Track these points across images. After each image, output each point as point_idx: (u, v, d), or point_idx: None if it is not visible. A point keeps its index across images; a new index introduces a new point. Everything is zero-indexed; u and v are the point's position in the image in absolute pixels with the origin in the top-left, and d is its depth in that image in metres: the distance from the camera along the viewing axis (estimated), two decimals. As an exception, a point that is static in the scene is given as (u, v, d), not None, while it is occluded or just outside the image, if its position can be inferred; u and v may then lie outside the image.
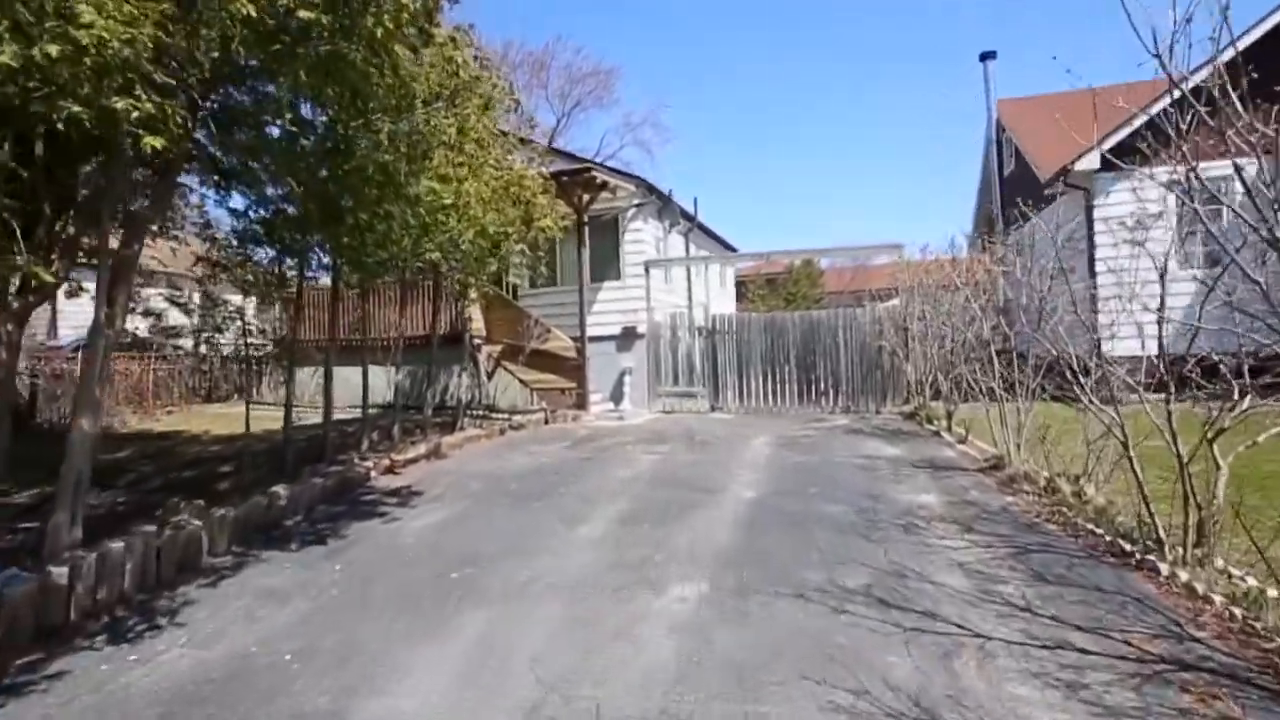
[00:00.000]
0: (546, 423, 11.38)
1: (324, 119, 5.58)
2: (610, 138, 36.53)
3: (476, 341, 12.46)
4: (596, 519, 5.68)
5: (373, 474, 7.44)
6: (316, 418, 12.88)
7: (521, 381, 12.77)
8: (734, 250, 22.79)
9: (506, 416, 11.29)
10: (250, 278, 6.79)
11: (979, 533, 4.76)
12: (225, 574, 4.81)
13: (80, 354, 14.06)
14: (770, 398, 12.67)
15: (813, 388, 12.45)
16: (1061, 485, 5.12)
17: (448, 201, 6.37)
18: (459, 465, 8.32)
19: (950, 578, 3.94)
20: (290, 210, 6.23)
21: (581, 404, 12.13)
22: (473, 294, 12.51)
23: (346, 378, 14.30)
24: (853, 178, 73.38)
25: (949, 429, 9.10)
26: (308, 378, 14.53)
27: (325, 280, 12.20)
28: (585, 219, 12.36)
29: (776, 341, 12.64)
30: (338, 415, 12.30)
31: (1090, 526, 4.43)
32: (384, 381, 13.70)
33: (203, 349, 16.41)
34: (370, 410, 12.94)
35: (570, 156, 13.58)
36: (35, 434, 12.20)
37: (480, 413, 11.75)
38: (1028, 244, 6.51)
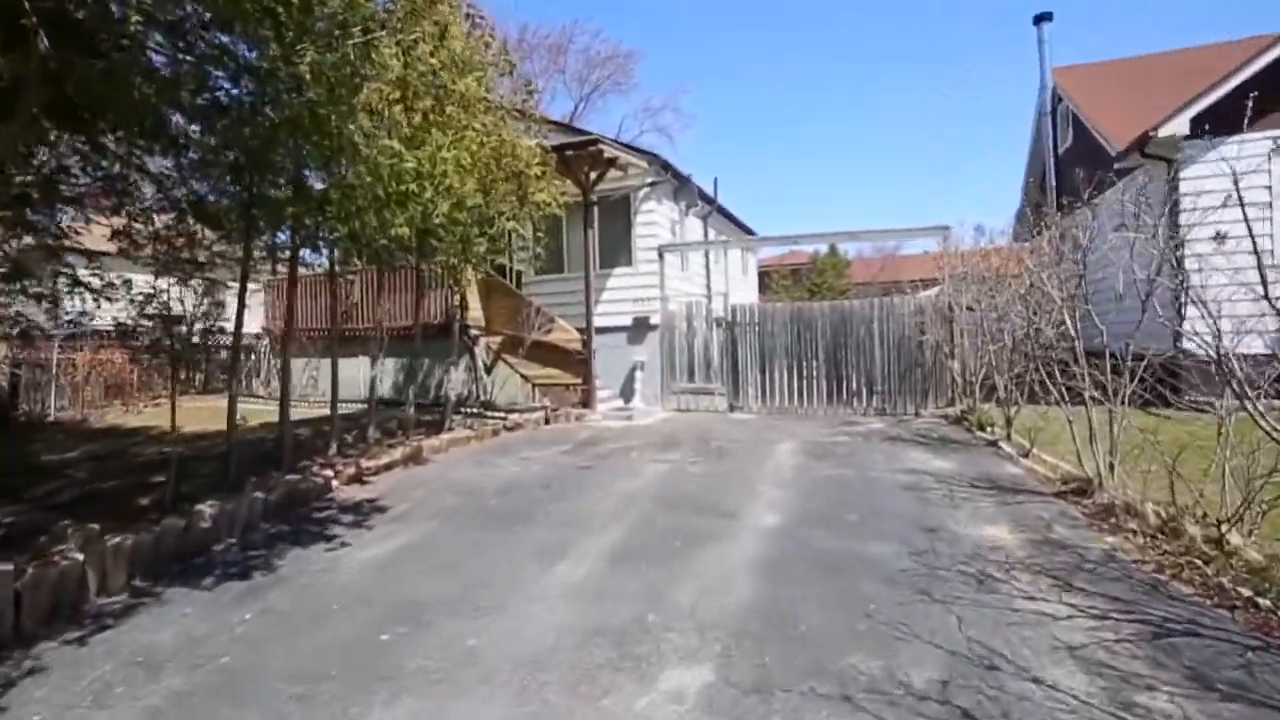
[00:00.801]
0: (547, 422, 10.31)
1: (258, 62, 4.54)
2: (629, 123, 35.28)
3: (474, 332, 11.44)
4: (581, 553, 4.58)
5: (335, 484, 6.43)
6: (306, 412, 11.99)
7: (523, 376, 11.71)
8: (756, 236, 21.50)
9: (503, 415, 10.24)
10: (185, 256, 5.77)
11: (1083, 592, 3.56)
12: (107, 623, 3.81)
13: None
14: (796, 397, 11.46)
15: (844, 386, 11.20)
16: (1187, 527, 3.88)
17: (410, 165, 5.28)
18: (438, 473, 7.28)
19: (1063, 674, 2.76)
20: (221, 171, 5.20)
21: (587, 401, 11.04)
22: (469, 280, 11.48)
23: (342, 370, 13.40)
24: (852, 178, 71.35)
25: (1008, 438, 7.83)
26: (299, 369, 13.67)
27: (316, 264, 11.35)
28: (593, 198, 11.21)
29: (803, 334, 11.41)
30: (321, 412, 11.36)
31: (1247, 593, 3.21)
32: (375, 375, 12.77)
33: (194, 338, 15.77)
34: (356, 406, 12.01)
35: (575, 130, 12.43)
36: (16, 428, 11.51)
37: (475, 410, 10.73)
38: (1131, 213, 5.23)
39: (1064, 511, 5.06)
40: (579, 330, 11.26)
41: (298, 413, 11.58)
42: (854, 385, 11.17)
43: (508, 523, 5.38)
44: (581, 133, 11.77)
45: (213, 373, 15.40)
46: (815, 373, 11.37)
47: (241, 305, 6.65)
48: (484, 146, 6.96)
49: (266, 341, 13.86)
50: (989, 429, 8.68)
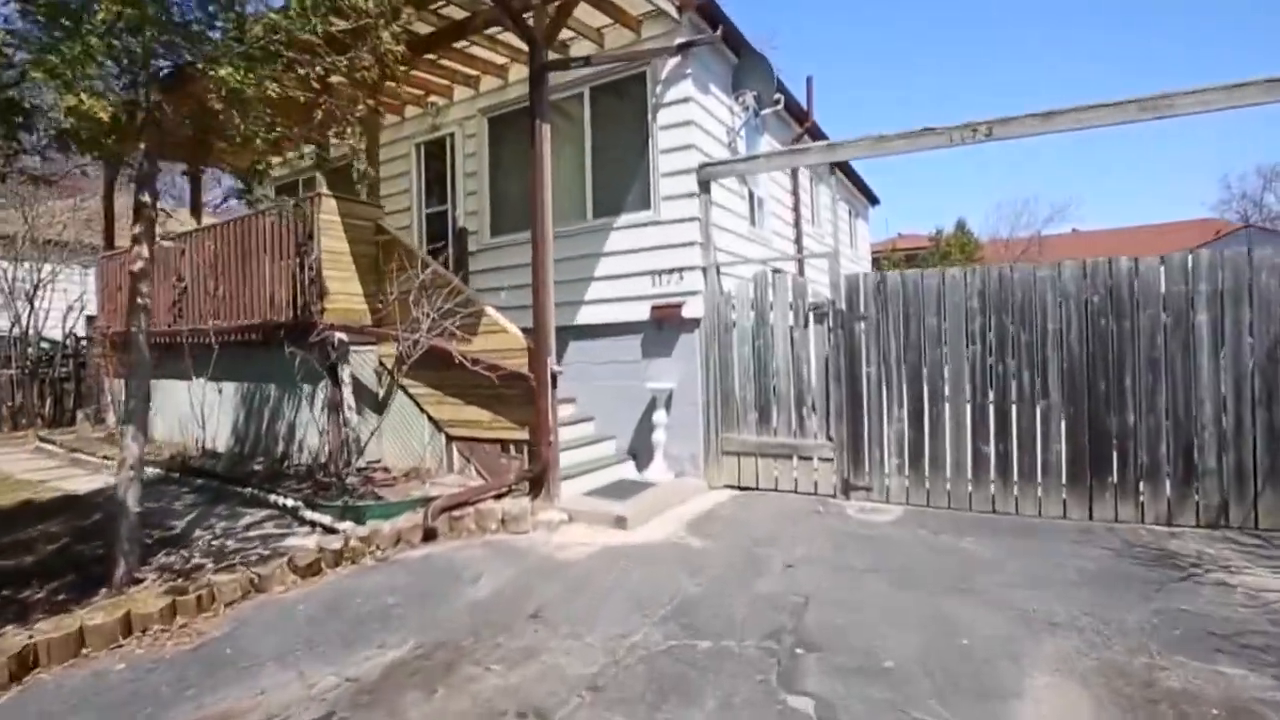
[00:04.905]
0: (427, 538, 4.64)
1: None
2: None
3: (340, 338, 5.97)
4: None
5: None
6: (85, 481, 6.72)
7: (433, 422, 6.17)
8: (874, 197, 15.06)
9: (331, 521, 4.70)
10: None
11: None
12: None
13: None
14: (990, 469, 5.23)
15: (1114, 452, 4.86)
16: None
17: None
18: None
19: None
20: None
21: (541, 478, 5.31)
22: (329, 241, 6.08)
23: (170, 397, 8.33)
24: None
25: None
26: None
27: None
28: (547, 58, 5.47)
29: (1010, 335, 5.18)
30: (104, 482, 6.18)
31: None
32: (218, 403, 7.59)
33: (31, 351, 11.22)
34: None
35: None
36: None
37: (298, 496, 5.20)
38: None
39: None
40: (526, 332, 5.55)
41: (82, 481, 6.52)
42: (1140, 451, 4.80)
43: None
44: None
45: (63, 398, 10.79)
46: (1037, 417, 5.10)
47: None
48: None
49: (100, 349, 8.95)
50: None
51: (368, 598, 3.81)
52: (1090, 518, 4.90)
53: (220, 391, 7.17)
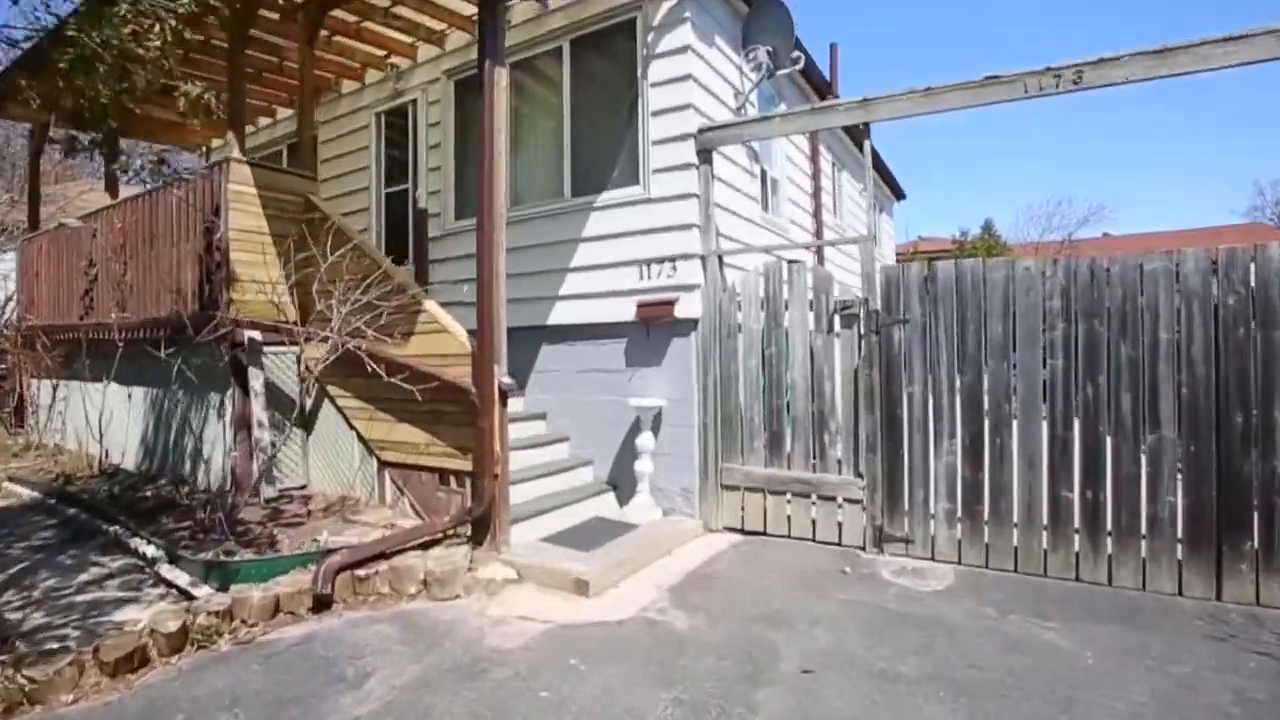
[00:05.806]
0: (320, 608, 3.44)
1: None
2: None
3: (251, 336, 4.82)
4: None
5: None
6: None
7: (364, 444, 4.99)
8: (900, 191, 13.75)
9: (182, 585, 3.52)
10: None
11: None
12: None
13: None
14: (1068, 526, 3.95)
15: (1253, 509, 3.57)
16: None
17: None
18: None
19: None
20: None
21: (486, 519, 4.11)
22: (241, 217, 4.94)
23: (91, 403, 7.12)
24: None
25: None
26: (45, 399, 7.66)
27: None
28: (506, -19, 4.30)
29: (1104, 347, 3.91)
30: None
31: None
32: (127, 411, 6.45)
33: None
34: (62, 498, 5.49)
35: None
36: None
37: (149, 551, 4.00)
38: None
39: None
40: (471, 334, 4.35)
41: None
42: (1289, 508, 3.51)
43: None
44: None
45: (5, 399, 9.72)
46: (1142, 456, 3.82)
47: None
48: None
49: (14, 345, 7.82)
50: None
51: (195, 712, 2.62)
52: (1218, 597, 3.61)
53: (130, 397, 6.05)
